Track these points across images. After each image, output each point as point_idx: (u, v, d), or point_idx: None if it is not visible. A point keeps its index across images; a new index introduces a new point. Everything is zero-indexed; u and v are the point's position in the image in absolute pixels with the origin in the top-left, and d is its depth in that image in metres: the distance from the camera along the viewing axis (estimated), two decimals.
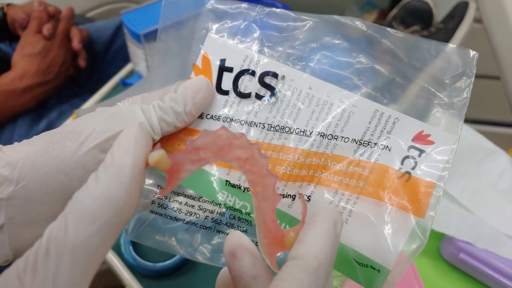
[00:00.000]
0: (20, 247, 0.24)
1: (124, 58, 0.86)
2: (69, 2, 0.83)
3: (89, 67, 0.84)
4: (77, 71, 0.82)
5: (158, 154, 0.19)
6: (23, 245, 0.24)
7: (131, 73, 0.75)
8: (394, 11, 0.76)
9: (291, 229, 0.20)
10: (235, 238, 0.20)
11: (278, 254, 0.21)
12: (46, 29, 0.72)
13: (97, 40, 0.87)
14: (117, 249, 0.47)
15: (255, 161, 0.21)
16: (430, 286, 0.45)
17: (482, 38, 0.61)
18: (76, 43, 0.77)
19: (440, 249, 0.48)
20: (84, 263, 0.16)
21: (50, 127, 0.73)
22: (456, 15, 0.70)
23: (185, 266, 0.47)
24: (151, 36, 0.59)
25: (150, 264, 0.45)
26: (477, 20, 0.69)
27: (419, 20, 0.74)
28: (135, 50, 0.63)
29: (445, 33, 0.69)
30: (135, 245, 0.47)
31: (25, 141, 0.24)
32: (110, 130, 0.24)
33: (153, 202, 0.28)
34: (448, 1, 0.74)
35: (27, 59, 0.71)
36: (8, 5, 0.78)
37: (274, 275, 0.19)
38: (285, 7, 0.75)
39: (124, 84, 0.71)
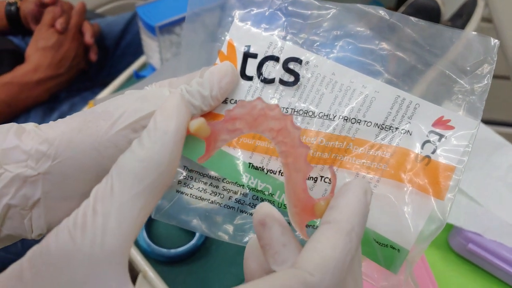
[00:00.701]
0: (54, 221, 0.25)
1: (134, 53, 0.87)
2: None
3: (99, 61, 0.85)
4: (88, 65, 0.83)
5: (199, 121, 0.20)
6: (56, 219, 0.25)
7: (144, 66, 0.76)
8: (402, 9, 0.77)
9: (321, 198, 0.21)
10: (265, 208, 0.20)
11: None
12: (59, 23, 0.74)
13: (107, 35, 0.88)
14: None
15: (288, 132, 0.21)
16: (439, 276, 0.46)
17: None
18: (88, 38, 0.78)
19: (449, 240, 0.49)
20: (129, 222, 0.17)
21: None
22: (464, 13, 0.70)
23: (199, 252, 0.48)
24: (166, 28, 0.60)
25: (164, 250, 0.46)
26: (485, 19, 0.70)
27: (427, 18, 0.74)
28: (149, 43, 0.64)
29: None
30: (149, 231, 0.48)
31: (60, 120, 0.25)
32: (141, 111, 0.25)
33: (179, 182, 0.29)
34: None
35: (41, 52, 0.72)
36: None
37: (303, 244, 0.19)
38: None
39: (137, 76, 0.72)
